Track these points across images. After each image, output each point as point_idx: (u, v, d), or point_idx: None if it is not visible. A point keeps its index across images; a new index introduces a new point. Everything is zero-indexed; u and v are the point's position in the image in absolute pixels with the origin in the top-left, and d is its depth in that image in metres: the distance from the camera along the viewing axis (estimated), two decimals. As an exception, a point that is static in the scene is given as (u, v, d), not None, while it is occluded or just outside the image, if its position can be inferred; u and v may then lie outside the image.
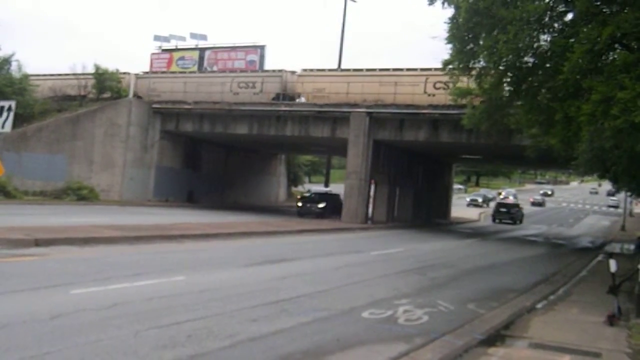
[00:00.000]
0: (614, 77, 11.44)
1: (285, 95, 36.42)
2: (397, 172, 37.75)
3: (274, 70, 38.52)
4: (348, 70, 36.53)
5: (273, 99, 36.37)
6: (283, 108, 34.75)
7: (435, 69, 31.73)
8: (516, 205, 53.05)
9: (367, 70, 35.27)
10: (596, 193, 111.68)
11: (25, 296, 9.28)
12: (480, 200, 71.18)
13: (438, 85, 31.43)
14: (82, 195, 33.03)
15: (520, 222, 50.74)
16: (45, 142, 36.14)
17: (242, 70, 41.84)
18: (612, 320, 10.20)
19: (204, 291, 10.74)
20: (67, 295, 9.44)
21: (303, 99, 35.74)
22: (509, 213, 50.37)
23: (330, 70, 37.30)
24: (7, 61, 39.29)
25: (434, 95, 31.74)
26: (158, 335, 7.61)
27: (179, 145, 39.89)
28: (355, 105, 33.05)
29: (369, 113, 32.68)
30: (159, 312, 8.81)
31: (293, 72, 37.13)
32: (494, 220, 50.40)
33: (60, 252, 14.01)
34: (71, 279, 10.75)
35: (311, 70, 36.79)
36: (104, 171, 35.96)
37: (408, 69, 33.98)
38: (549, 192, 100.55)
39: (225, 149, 44.59)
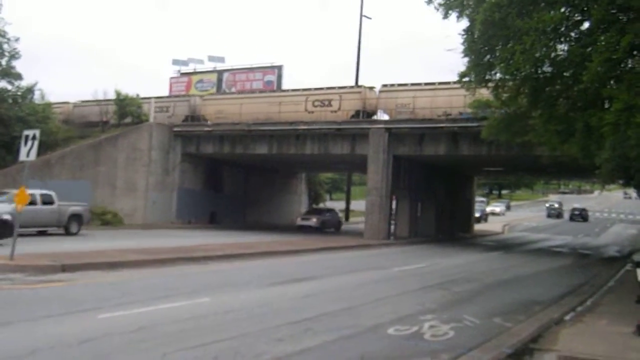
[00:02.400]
0: (635, 85, 11.36)
1: (194, 117, 39.85)
2: (418, 186, 37.62)
3: (184, 96, 42.72)
4: (243, 93, 41.37)
5: (183, 121, 39.84)
6: (302, 127, 34.89)
7: (315, 89, 37.21)
8: (585, 209, 75.43)
9: (260, 92, 41.09)
10: (630, 198, 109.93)
11: (54, 321, 9.40)
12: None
13: (316, 103, 35.72)
14: (106, 220, 33.39)
15: (587, 220, 71.93)
16: (68, 168, 36.63)
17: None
18: (642, 331, 10.03)
19: (228, 312, 10.79)
20: (95, 320, 9.55)
21: (208, 122, 38.85)
22: (580, 215, 73.13)
23: (228, 93, 42.50)
24: (30, 90, 40.00)
25: (312, 112, 35.52)
26: (185, 357, 7.65)
27: (200, 167, 40.22)
28: (374, 121, 33.13)
29: (387, 129, 32.70)
30: (185, 334, 8.86)
31: (201, 97, 41.78)
32: (570, 219, 72.12)
33: (87, 277, 14.18)
34: (98, 303, 10.87)
35: (213, 95, 42.97)
36: (127, 195, 36.31)
37: (293, 90, 38.87)
38: (556, 205, 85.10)
39: (246, 169, 44.83)
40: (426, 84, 33.90)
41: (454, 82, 29.94)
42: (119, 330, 8.81)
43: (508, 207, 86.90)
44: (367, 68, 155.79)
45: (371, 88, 35.50)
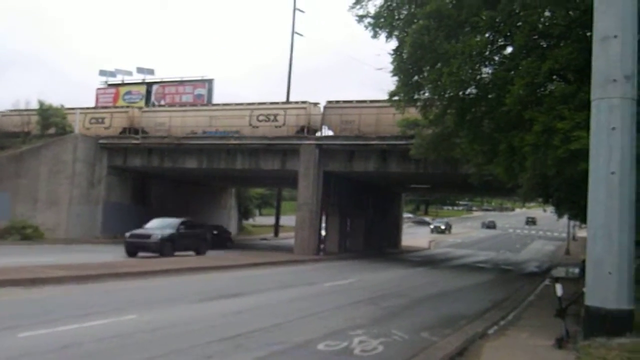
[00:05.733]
0: (553, 108, 11.92)
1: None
2: (348, 202, 38.03)
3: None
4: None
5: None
6: (233, 142, 34.75)
7: (90, 108, 43.46)
8: (534, 217, 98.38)
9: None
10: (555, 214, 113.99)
11: (-30, 341, 8.96)
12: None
13: (92, 121, 40.51)
14: (26, 234, 32.10)
15: (536, 224, 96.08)
16: (-14, 180, 35.07)
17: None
18: (560, 344, 10.44)
19: (156, 329, 10.57)
20: (15, 339, 9.16)
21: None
22: (533, 222, 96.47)
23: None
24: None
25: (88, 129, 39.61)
26: (111, 376, 7.45)
27: (127, 181, 39.32)
28: (305, 137, 33.33)
29: (318, 145, 32.96)
30: (110, 352, 8.64)
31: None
32: (526, 224, 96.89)
33: (6, 293, 13.60)
34: (18, 321, 10.44)
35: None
36: (49, 209, 35.05)
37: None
38: (442, 227, 77.05)
39: (175, 183, 44.11)
40: (202, 104, 41.85)
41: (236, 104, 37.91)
42: (40, 350, 8.49)
43: None
44: (300, 79, 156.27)
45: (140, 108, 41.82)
